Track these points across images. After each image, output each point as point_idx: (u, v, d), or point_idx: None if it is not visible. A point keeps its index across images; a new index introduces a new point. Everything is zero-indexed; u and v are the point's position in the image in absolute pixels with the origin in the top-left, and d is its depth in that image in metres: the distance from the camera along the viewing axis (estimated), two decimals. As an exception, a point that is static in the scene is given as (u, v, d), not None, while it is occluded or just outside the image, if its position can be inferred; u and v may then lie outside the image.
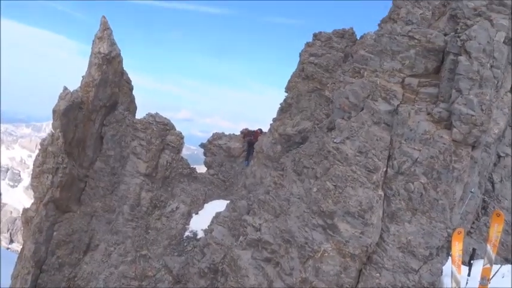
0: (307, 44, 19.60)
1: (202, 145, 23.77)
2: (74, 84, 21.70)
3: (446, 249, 10.77)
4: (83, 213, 20.92)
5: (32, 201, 21.84)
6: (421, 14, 15.58)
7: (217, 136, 23.68)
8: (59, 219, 20.68)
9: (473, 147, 10.58)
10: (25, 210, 21.93)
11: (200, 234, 18.21)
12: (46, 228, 20.27)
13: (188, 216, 19.88)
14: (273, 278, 11.90)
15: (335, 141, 11.66)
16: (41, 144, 21.20)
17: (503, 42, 10.73)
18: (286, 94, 20.08)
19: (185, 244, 18.53)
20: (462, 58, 10.56)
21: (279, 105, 20.25)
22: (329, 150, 11.69)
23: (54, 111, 20.28)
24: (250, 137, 21.89)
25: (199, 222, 18.90)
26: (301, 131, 17.84)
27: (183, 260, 17.15)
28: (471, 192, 11.43)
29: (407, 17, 15.60)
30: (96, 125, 21.59)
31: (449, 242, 10.46)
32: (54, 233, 20.46)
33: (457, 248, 10.26)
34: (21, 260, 21.09)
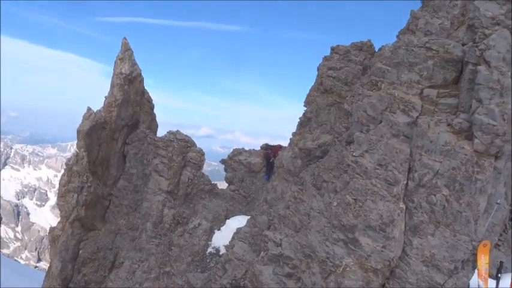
0: (325, 58, 19.64)
1: (222, 161, 23.92)
2: (98, 105, 22.38)
3: (472, 263, 10.49)
4: (108, 231, 21.26)
5: (58, 220, 22.33)
6: (439, 24, 15.47)
7: (238, 152, 23.81)
8: (85, 237, 21.07)
9: (497, 157, 10.35)
10: (52, 229, 22.42)
11: (222, 250, 18.24)
12: (72, 246, 20.68)
13: (210, 232, 19.97)
14: (295, 293, 11.81)
15: (354, 154, 11.59)
16: (66, 164, 21.74)
17: (523, 50, 10.54)
18: (305, 108, 20.11)
19: (208, 260, 18.58)
20: (482, 68, 10.41)
21: (299, 120, 20.28)
22: (348, 163, 11.62)
23: (78, 132, 20.86)
24: (268, 152, 21.88)
25: (222, 238, 18.95)
26: (321, 144, 17.79)
27: (206, 276, 17.17)
28: (497, 203, 11.14)
29: (426, 27, 15.52)
30: (119, 144, 22.07)
31: (474, 255, 10.21)
32: (80, 251, 20.85)
33: (483, 261, 10.02)
34: (49, 278, 21.49)
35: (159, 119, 24.48)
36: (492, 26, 10.82)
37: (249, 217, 17.55)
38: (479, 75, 10.32)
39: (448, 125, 10.82)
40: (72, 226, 20.71)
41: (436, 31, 15.11)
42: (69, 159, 21.94)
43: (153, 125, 23.90)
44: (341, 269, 10.97)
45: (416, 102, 11.44)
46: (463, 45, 11.41)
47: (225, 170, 23.76)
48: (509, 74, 10.34)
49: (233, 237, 16.58)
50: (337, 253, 11.13)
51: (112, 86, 22.22)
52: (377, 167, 11.23)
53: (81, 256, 20.83)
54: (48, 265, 23.39)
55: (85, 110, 21.74)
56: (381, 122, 11.76)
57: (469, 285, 10.79)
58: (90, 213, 20.88)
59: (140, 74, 22.69)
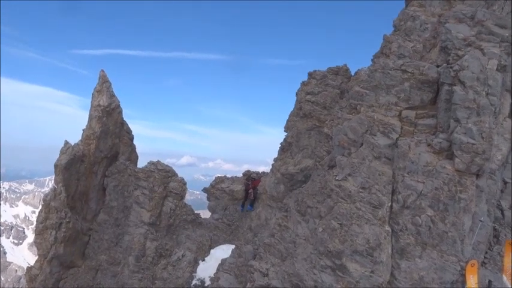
0: (303, 83, 19.85)
1: (205, 190, 23.60)
2: (76, 138, 21.96)
3: (461, 284, 10.39)
4: (88, 268, 20.54)
5: (36, 258, 21.50)
6: (412, 47, 15.77)
7: (220, 179, 23.55)
8: (64, 276, 20.33)
9: (478, 175, 10.43)
10: (29, 269, 21.56)
11: (208, 282, 17.75)
12: (51, 286, 19.90)
13: (195, 263, 19.49)
14: (285, 325, 11.47)
15: (337, 178, 11.52)
16: (44, 200, 21.11)
17: (496, 69, 10.79)
18: (286, 133, 20.14)
19: (193, 293, 18.06)
20: (457, 88, 10.59)
21: (280, 145, 20.26)
22: (332, 188, 11.54)
23: (56, 166, 20.37)
24: (248, 183, 21.65)
25: (207, 269, 18.49)
26: (303, 169, 17.75)
27: (191, 310, 16.65)
28: (480, 221, 11.17)
29: (399, 50, 15.78)
30: (98, 176, 21.60)
31: (463, 275, 10.13)
32: (59, 290, 20.03)
33: (472, 281, 9.95)
34: (26, 321, 20.53)
35: (139, 149, 24.22)
36: (464, 47, 11.10)
37: (233, 246, 17.21)
38: (455, 95, 10.49)
39: (428, 145, 10.90)
40: (50, 264, 19.95)
41: (409, 54, 15.39)
42: (46, 195, 21.32)
43: (133, 156, 23.52)
44: (330, 297, 10.74)
45: (395, 123, 11.53)
46: (438, 66, 11.64)
47: (208, 198, 23.42)
48: (484, 93, 10.54)
49: (218, 269, 16.17)
50: (325, 281, 10.90)
51: (90, 118, 21.90)
52: (361, 190, 11.18)
53: (61, 295, 20.02)
54: (26, 307, 22.39)
55: (63, 144, 21.31)
56: (362, 144, 11.77)
57: (459, 307, 10.67)
58: (69, 250, 20.17)
59: (119, 105, 22.46)
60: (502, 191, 14.45)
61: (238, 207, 21.67)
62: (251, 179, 21.67)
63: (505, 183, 14.58)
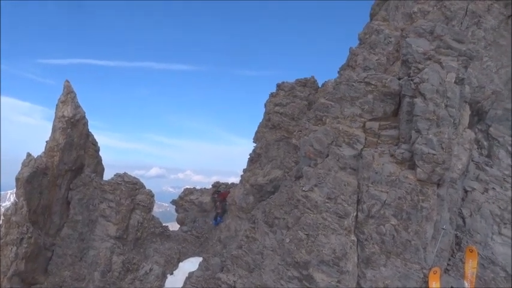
0: (272, 94, 20.03)
1: (173, 202, 23.36)
2: (40, 150, 21.28)
3: (424, 291, 10.62)
4: (51, 284, 19.80)
5: (-4, 276, 20.61)
6: (377, 59, 16.22)
7: (189, 191, 23.37)
8: (25, 293, 19.49)
9: (439, 185, 10.74)
10: (-12, 287, 20.63)
11: (176, 296, 17.47)
12: (11, 304, 19.04)
13: (163, 277, 19.15)
14: (253, 337, 11.39)
15: (303, 189, 11.63)
16: (4, 215, 20.28)
17: (454, 82, 11.21)
18: (255, 144, 20.21)
19: (161, 308, 17.72)
20: (418, 100, 10.93)
21: (249, 156, 20.31)
22: (298, 199, 11.63)
23: (17, 179, 19.67)
24: (214, 196, 21.68)
25: (175, 283, 18.20)
26: (272, 180, 17.84)
27: (159, 326, 16.31)
28: (443, 229, 11.47)
29: (364, 63, 16.21)
30: (62, 190, 20.97)
31: (426, 282, 10.36)
32: (21, 309, 19.22)
33: (434, 288, 10.17)
34: None
35: (106, 161, 23.69)
36: (424, 60, 11.48)
37: (201, 259, 17.03)
38: (416, 107, 10.82)
39: (391, 155, 11.17)
40: (10, 282, 19.10)
41: (373, 66, 15.82)
42: (7, 209, 20.50)
43: (98, 169, 22.97)
44: (297, 308, 10.75)
45: (360, 135, 11.77)
46: (399, 79, 11.98)
47: (177, 210, 23.18)
48: (443, 105, 10.91)
49: (185, 283, 15.93)
50: (293, 291, 10.92)
51: (54, 130, 21.31)
52: (327, 200, 11.31)
53: (22, 314, 19.21)
54: (-15, 327, 21.37)
55: (25, 156, 20.63)
56: (327, 155, 11.95)
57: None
58: (31, 266, 19.40)
59: (84, 116, 21.97)
60: (463, 199, 14.91)
61: (209, 219, 21.56)
62: (217, 192, 21.65)
63: (466, 191, 15.06)
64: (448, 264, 13.81)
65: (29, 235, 19.09)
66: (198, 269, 15.86)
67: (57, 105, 21.60)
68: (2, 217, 20.77)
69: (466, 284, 10.87)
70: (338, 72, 17.81)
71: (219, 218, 20.96)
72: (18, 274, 18.96)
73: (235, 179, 23.07)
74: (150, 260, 19.81)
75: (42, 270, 19.96)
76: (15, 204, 19.95)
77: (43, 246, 19.89)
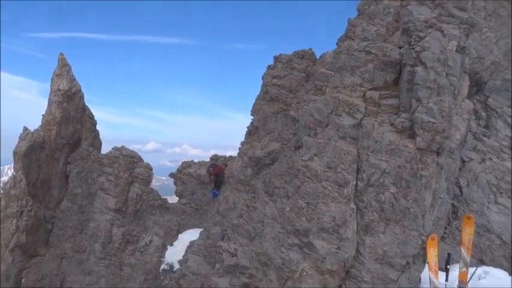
0: (269, 67, 19.87)
1: (172, 175, 23.43)
2: (36, 125, 21.16)
3: (422, 257, 10.84)
4: (52, 256, 20.02)
5: (-3, 248, 20.80)
6: (376, 30, 16.08)
7: (187, 164, 23.43)
8: (27, 265, 19.72)
9: (438, 153, 10.81)
10: (-11, 259, 20.83)
11: (176, 266, 17.72)
12: (14, 276, 19.27)
13: (163, 248, 19.37)
14: (254, 303, 11.64)
15: (303, 158, 11.69)
16: (3, 189, 20.33)
17: (456, 50, 11.16)
18: (252, 117, 20.17)
19: (162, 278, 17.98)
20: (418, 69, 10.89)
21: (246, 129, 20.29)
22: (298, 168, 11.70)
23: (14, 153, 19.62)
24: (209, 170, 21.73)
25: (175, 254, 18.44)
26: (270, 152, 17.87)
27: (160, 294, 16.60)
28: (440, 198, 11.64)
29: (363, 34, 16.07)
30: (60, 163, 20.95)
31: (424, 249, 10.56)
32: (23, 280, 19.46)
33: (432, 254, 10.37)
34: (-12, 313, 19.89)
35: (103, 136, 23.57)
36: (426, 28, 11.39)
37: (201, 230, 17.22)
38: (417, 75, 10.80)
39: (391, 124, 11.20)
40: (12, 254, 19.30)
41: (372, 37, 15.69)
42: (6, 183, 20.53)
43: (96, 142, 22.92)
44: (298, 274, 10.95)
45: (360, 104, 11.77)
46: (400, 48, 11.91)
47: (175, 183, 23.29)
48: (444, 73, 10.89)
49: (186, 251, 16.16)
50: (293, 258, 11.11)
51: (50, 103, 21.13)
52: (326, 169, 11.38)
53: (24, 285, 19.43)
54: (-13, 298, 21.69)
55: (21, 131, 20.53)
56: (327, 125, 11.96)
57: (420, 279, 11.14)
58: (31, 238, 19.57)
59: (80, 90, 21.76)
60: (460, 169, 15.10)
61: (207, 192, 21.69)
62: (213, 166, 21.67)
63: (463, 161, 15.23)
64: (444, 233, 14.10)
65: (29, 208, 19.18)
66: (199, 238, 16.06)
67: (52, 78, 21.35)
68: (1, 191, 20.83)
69: (463, 250, 11.09)
70: (336, 43, 17.65)
71: (214, 190, 21.10)
72: (19, 246, 19.14)
73: (233, 153, 23.12)
74: (149, 231, 20.00)
75: (43, 243, 20.14)
76: (13, 178, 19.96)
77: (43, 219, 20.01)
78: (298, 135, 12.87)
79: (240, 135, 20.53)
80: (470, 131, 15.96)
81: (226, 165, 21.05)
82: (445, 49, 10.90)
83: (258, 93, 20.19)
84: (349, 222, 10.83)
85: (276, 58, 19.98)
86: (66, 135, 20.98)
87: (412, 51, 11.14)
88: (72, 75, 21.42)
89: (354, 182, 11.19)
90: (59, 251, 19.95)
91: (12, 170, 20.80)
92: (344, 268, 10.74)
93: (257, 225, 12.09)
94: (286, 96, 18.76)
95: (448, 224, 14.19)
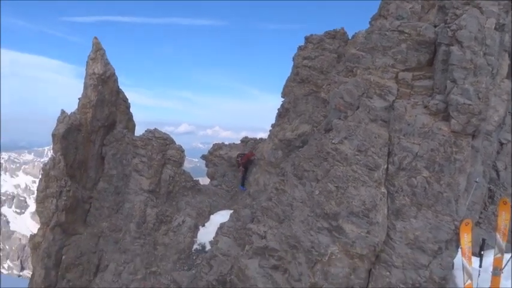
0: (300, 48, 19.61)
1: (203, 157, 23.71)
2: (73, 107, 21.86)
3: (455, 242, 10.59)
4: (90, 235, 20.87)
5: (39, 226, 21.83)
6: (410, 8, 15.48)
7: (218, 146, 23.65)
8: (67, 243, 20.65)
9: (473, 136, 10.44)
10: (32, 236, 21.90)
11: (208, 246, 18.09)
12: (54, 253, 20.25)
13: (195, 229, 19.76)
14: (282, 285, 11.76)
15: (333, 141, 11.56)
16: (43, 169, 21.22)
17: (494, 28, 10.63)
18: (283, 99, 20.06)
19: (194, 257, 18.41)
20: (454, 48, 10.47)
21: (277, 111, 20.22)
22: (328, 151, 11.59)
23: (53, 135, 20.37)
24: (238, 160, 21.39)
25: (207, 234, 18.78)
26: (301, 134, 17.79)
27: (192, 274, 17.02)
28: (476, 182, 11.27)
29: (397, 12, 15.50)
30: (96, 145, 21.63)
31: (457, 234, 10.31)
32: (63, 257, 20.43)
33: (466, 239, 10.13)
34: (33, 286, 21.01)
35: (136, 118, 24.11)
36: (462, 6, 10.90)
37: (232, 211, 17.44)
38: (452, 55, 10.39)
39: (425, 107, 10.87)
40: (53, 232, 20.25)
41: (407, 15, 15.13)
42: (45, 164, 21.41)
43: (130, 125, 23.49)
44: (327, 258, 10.96)
45: (392, 86, 11.46)
46: (435, 26, 11.46)
47: (206, 165, 23.58)
48: (481, 53, 10.43)
49: (217, 233, 16.45)
50: (322, 242, 11.11)
51: (85, 87, 21.73)
52: (357, 153, 11.23)
53: (64, 262, 20.41)
54: (31, 273, 22.89)
55: (59, 113, 21.25)
56: (358, 107, 11.75)
57: (453, 265, 10.91)
58: (70, 217, 20.44)
59: (114, 73, 22.24)
60: (498, 152, 14.54)
61: (238, 174, 21.77)
62: (240, 156, 21.35)
63: (501, 144, 14.66)
64: (479, 217, 13.70)
65: (68, 188, 19.98)
66: (229, 220, 16.29)
67: (87, 62, 21.90)
68: (41, 171, 21.73)
69: (499, 236, 10.76)
70: (369, 22, 17.15)
71: (241, 187, 20.86)
72: (59, 225, 20.04)
73: (264, 135, 23.11)
74: (182, 212, 20.42)
75: (81, 222, 21.00)
76: (52, 159, 20.78)
77: (81, 199, 20.82)
78: (328, 117, 12.71)
79: (271, 117, 20.46)
80: (509, 112, 15.28)
81: (252, 153, 20.82)
82: (482, 27, 10.40)
83: (289, 74, 20.01)
84: (380, 206, 10.69)
85: (306, 39, 19.68)
86: (101, 118, 21.58)
87: (448, 29, 10.70)
88: (106, 59, 21.88)
89: (385, 166, 11.00)
90: (96, 229, 20.75)
91: (52, 151, 21.64)
92: (374, 252, 10.66)
93: (286, 208, 12.13)
94: (317, 78, 18.53)
95: (484, 209, 13.77)
